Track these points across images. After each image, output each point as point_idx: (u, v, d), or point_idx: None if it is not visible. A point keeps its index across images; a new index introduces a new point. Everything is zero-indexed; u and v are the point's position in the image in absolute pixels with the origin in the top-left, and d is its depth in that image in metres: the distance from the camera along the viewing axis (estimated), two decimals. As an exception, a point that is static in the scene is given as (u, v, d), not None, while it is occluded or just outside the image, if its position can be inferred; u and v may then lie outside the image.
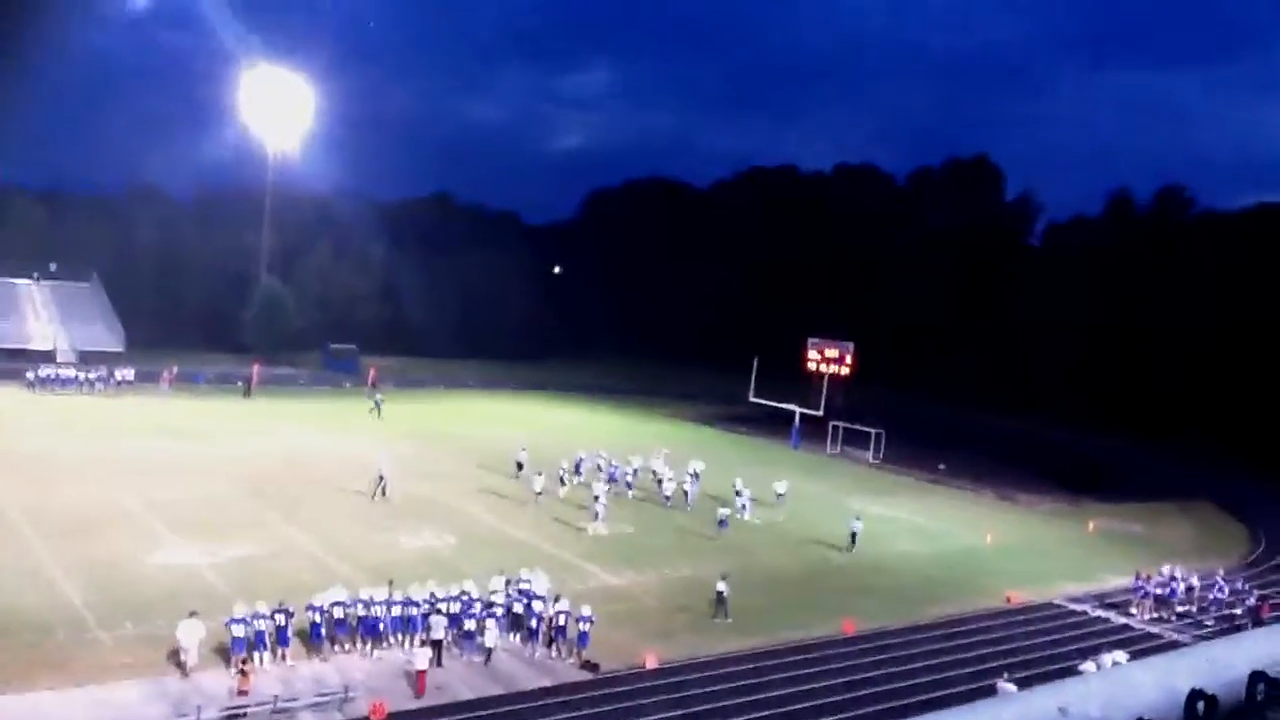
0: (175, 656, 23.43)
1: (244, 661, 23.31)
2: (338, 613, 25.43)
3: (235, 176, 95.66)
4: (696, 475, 49.27)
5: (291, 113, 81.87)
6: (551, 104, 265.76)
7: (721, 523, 41.91)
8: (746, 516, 45.22)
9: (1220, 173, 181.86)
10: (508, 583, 28.83)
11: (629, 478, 48.83)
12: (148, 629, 25.39)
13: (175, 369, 70.38)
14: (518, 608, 27.54)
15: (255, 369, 71.91)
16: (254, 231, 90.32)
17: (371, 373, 78.35)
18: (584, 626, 26.37)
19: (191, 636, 23.15)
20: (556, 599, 27.70)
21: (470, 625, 26.18)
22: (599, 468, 49.40)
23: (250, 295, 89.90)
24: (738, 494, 46.16)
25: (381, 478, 42.51)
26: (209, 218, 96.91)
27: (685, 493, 47.33)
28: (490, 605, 27.14)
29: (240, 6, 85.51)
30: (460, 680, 24.58)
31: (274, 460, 48.19)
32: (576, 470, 48.95)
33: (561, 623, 26.91)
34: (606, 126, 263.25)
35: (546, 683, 24.94)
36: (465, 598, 27.05)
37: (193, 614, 23.63)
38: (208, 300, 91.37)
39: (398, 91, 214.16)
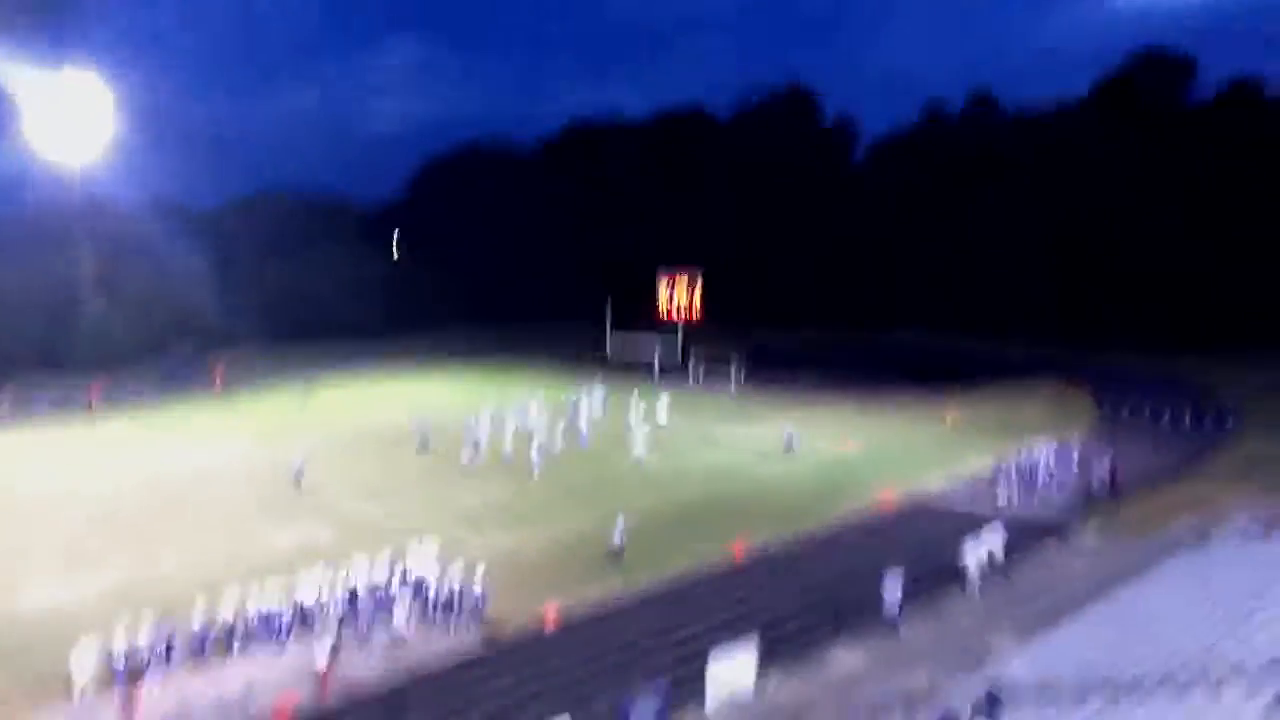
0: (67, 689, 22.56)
1: (134, 685, 22.55)
2: (231, 617, 24.88)
3: (38, 200, 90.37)
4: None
5: (89, 124, 77.31)
6: (365, 86, 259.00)
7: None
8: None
9: (1023, 70, 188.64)
10: (393, 562, 28.50)
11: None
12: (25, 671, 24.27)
13: (10, 396, 66.84)
14: (410, 584, 27.27)
15: (95, 388, 68.77)
16: (68, 254, 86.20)
17: (219, 372, 75.94)
18: (477, 590, 26.35)
19: (83, 664, 22.35)
20: (445, 570, 27.57)
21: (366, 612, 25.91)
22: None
23: (76, 317, 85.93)
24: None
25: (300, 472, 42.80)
26: (15, 244, 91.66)
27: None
28: (386, 587, 26.83)
29: (13, 8, 79.24)
30: (365, 668, 24.28)
31: (128, 482, 46.19)
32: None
33: (456, 592, 26.83)
34: (423, 101, 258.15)
35: (452, 656, 24.83)
36: (361, 584, 26.72)
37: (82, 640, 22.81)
38: (33, 328, 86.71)
39: (209, 91, 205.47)
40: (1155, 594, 25.92)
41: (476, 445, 47.25)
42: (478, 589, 26.58)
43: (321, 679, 23.11)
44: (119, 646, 22.87)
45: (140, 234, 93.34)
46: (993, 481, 39.77)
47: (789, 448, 48.23)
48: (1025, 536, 33.20)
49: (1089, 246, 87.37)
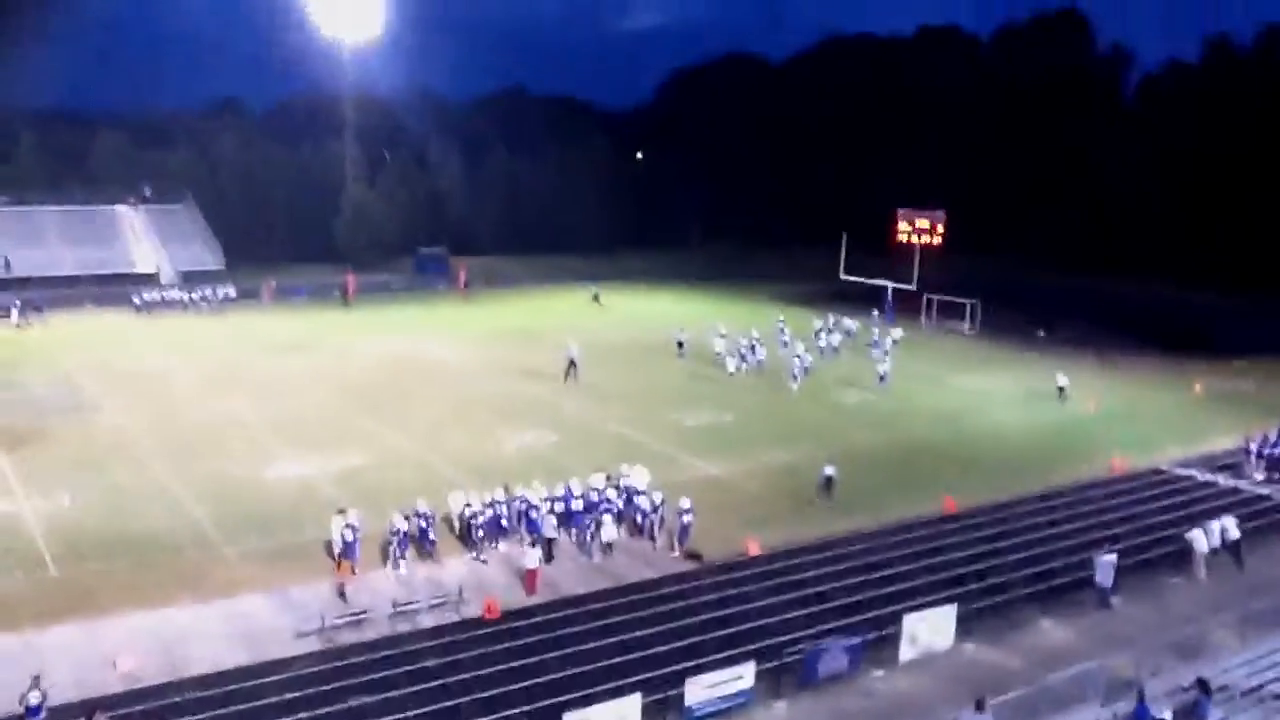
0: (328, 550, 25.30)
1: (340, 562, 24.58)
2: (467, 513, 26.58)
3: (310, 83, 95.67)
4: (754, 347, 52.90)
5: (360, 12, 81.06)
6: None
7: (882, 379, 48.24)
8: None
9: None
10: (608, 479, 29.50)
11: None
12: (270, 543, 26.73)
13: (274, 284, 72.21)
14: (621, 503, 28.23)
15: (350, 279, 73.27)
16: (335, 138, 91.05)
17: (462, 274, 79.48)
18: (686, 519, 27.04)
19: (342, 531, 24.90)
20: (654, 493, 28.39)
21: (581, 521, 27.15)
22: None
23: (338, 204, 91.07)
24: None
25: (572, 363, 47.11)
26: (288, 128, 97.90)
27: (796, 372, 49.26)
28: (602, 502, 27.89)
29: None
30: (569, 576, 25.49)
31: (377, 368, 49.57)
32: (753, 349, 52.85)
33: (662, 515, 27.66)
34: (679, 4, 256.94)
35: (652, 574, 25.69)
36: (577, 494, 27.90)
37: (341, 511, 25.40)
38: (297, 212, 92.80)
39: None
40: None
41: (743, 356, 51.57)
42: (688, 513, 27.21)
43: (529, 579, 24.40)
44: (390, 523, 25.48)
45: (403, 123, 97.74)
46: (1237, 459, 37.36)
47: (1020, 399, 46.71)
48: (1266, 524, 31.20)
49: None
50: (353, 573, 24.48)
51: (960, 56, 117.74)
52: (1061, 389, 47.46)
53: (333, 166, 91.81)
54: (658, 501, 28.00)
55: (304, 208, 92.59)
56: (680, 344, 54.25)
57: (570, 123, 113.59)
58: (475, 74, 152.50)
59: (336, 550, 24.86)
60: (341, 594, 23.61)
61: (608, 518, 27.17)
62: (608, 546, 26.85)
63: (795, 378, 48.13)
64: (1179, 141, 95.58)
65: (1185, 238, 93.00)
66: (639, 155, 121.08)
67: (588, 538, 27.04)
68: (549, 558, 26.06)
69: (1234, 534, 28.55)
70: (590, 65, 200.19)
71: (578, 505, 27.59)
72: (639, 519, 28.06)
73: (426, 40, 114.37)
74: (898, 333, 60.45)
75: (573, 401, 43.45)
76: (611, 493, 28.48)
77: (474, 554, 26.25)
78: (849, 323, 62.03)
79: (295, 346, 54.48)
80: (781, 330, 58.81)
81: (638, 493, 28.61)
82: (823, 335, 58.11)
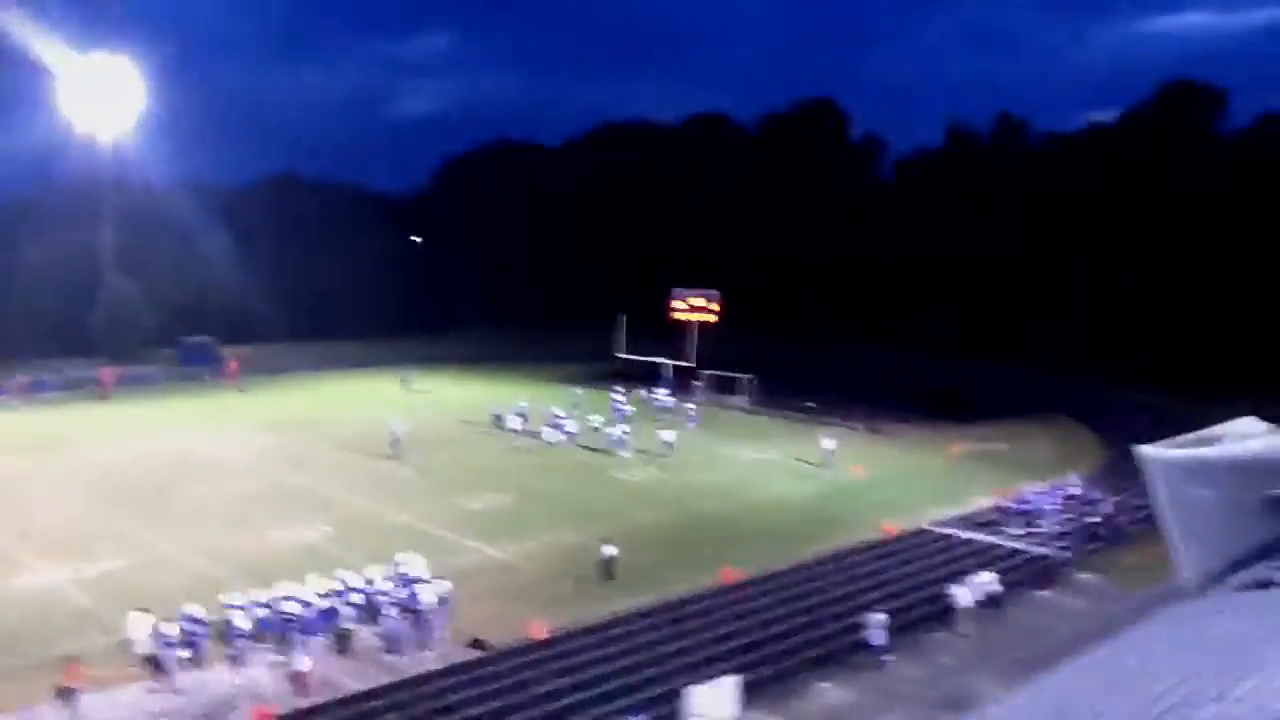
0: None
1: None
2: (241, 617, 25.26)
3: (67, 173, 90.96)
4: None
5: (119, 101, 78.10)
6: (394, 72, 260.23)
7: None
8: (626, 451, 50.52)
9: (1053, 94, 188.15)
10: (388, 566, 28.76)
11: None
12: (14, 660, 24.65)
13: (23, 380, 67.51)
14: (401, 594, 27.51)
15: (106, 372, 69.31)
16: (92, 230, 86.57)
17: (233, 364, 76.47)
18: (447, 601, 26.72)
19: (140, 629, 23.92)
20: (439, 581, 27.84)
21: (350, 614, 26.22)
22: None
23: (96, 296, 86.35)
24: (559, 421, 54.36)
25: (396, 438, 48.39)
26: (42, 219, 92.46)
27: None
28: (379, 593, 27.14)
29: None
30: (348, 674, 24.52)
31: (135, 465, 46.75)
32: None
33: (449, 604, 27.13)
34: (453, 92, 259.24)
35: (435, 666, 25.04)
36: (354, 588, 27.06)
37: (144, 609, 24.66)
38: (52, 306, 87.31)
39: (231, 71, 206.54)
40: (1147, 644, 25.84)
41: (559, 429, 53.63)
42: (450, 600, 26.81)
43: (298, 681, 23.36)
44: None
45: (165, 212, 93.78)
46: (994, 518, 39.73)
47: (796, 470, 48.35)
48: (1022, 577, 33.21)
49: (1117, 275, 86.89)
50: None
51: (728, 143, 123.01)
52: (829, 452, 49.51)
53: (90, 257, 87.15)
54: (444, 591, 27.40)
55: (59, 301, 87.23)
56: (499, 417, 56.97)
57: (346, 209, 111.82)
58: (245, 161, 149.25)
59: (140, 652, 23.46)
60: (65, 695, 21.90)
61: (390, 610, 26.39)
62: (389, 639, 26.02)
63: (623, 445, 50.82)
64: (930, 219, 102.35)
65: (943, 311, 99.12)
66: (416, 240, 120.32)
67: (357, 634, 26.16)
68: (341, 651, 25.07)
69: (994, 588, 30.25)
70: (365, 152, 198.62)
71: (357, 599, 26.72)
72: (419, 610, 27.32)
73: (191, 128, 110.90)
74: (671, 402, 62.63)
75: (351, 490, 42.18)
76: (388, 584, 27.73)
77: (237, 657, 24.91)
78: (621, 403, 62.86)
79: (45, 445, 50.91)
80: (618, 403, 61.22)
81: (417, 581, 27.93)
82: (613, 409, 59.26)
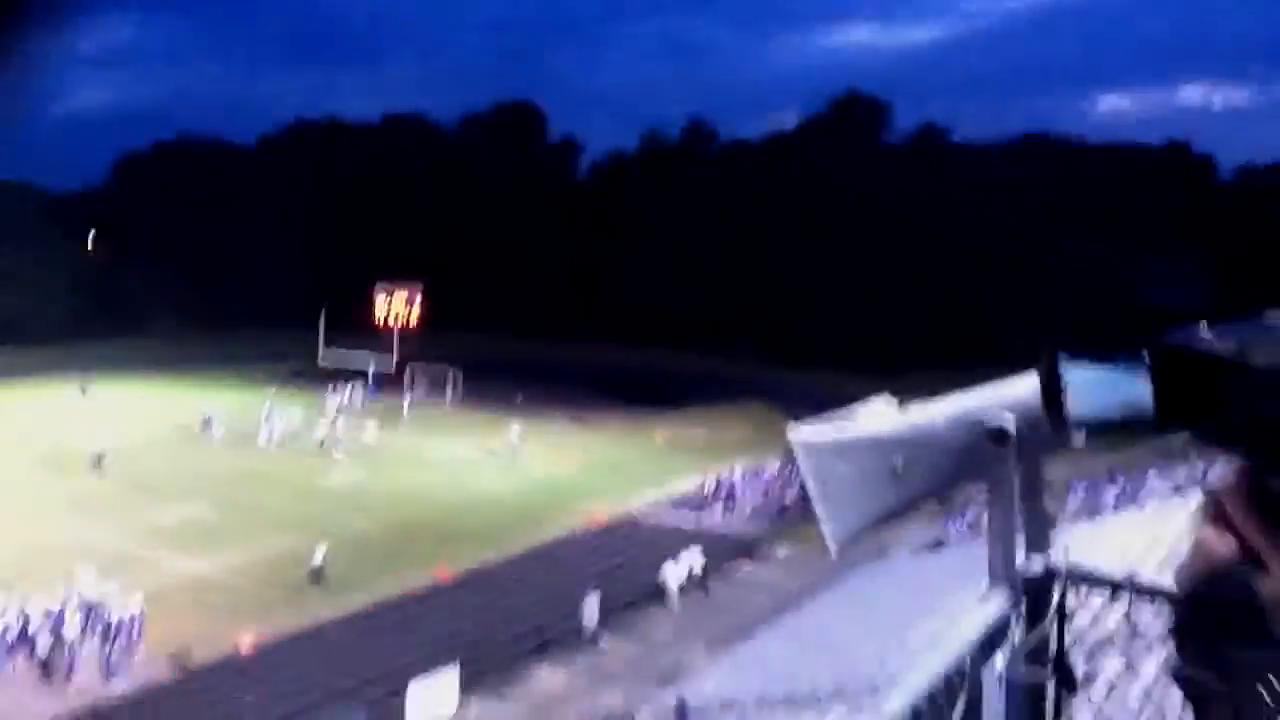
0: None
1: None
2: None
3: None
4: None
5: None
6: (66, 63, 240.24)
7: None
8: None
9: (741, 103, 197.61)
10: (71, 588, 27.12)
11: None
12: None
13: None
14: (80, 617, 25.98)
15: None
16: None
17: None
18: (137, 618, 25.62)
19: None
20: (126, 600, 26.51)
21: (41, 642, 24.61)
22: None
23: None
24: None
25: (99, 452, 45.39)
26: None
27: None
28: (59, 615, 25.57)
29: None
30: (19, 704, 23.02)
31: None
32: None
33: (139, 623, 25.88)
34: (131, 83, 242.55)
35: (127, 689, 23.89)
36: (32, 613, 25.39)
37: None
38: None
39: None
40: (834, 609, 28.17)
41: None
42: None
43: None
44: None
45: None
46: (696, 500, 41.79)
47: (501, 464, 48.89)
48: (725, 554, 35.18)
49: (794, 271, 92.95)
50: None
51: (427, 142, 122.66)
52: (514, 444, 51.01)
53: None
54: (135, 611, 26.07)
55: None
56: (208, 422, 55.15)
57: (11, 206, 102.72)
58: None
59: None
60: None
61: (72, 634, 24.92)
62: (70, 665, 24.56)
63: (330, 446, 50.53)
64: (631, 220, 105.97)
65: (650, 305, 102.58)
66: (90, 238, 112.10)
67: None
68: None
69: (699, 566, 31.96)
70: (34, 145, 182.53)
71: (36, 624, 25.03)
72: (107, 629, 25.89)
73: None
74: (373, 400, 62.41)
75: (35, 508, 39.06)
76: (70, 608, 26.14)
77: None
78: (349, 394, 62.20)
79: None
80: (326, 403, 60.26)
81: (98, 605, 26.42)
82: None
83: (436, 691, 23.08)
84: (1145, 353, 1.14)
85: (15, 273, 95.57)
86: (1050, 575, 2.12)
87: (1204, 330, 1.07)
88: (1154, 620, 2.03)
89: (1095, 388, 1.37)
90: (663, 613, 29.87)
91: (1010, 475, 2.01)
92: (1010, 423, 1.87)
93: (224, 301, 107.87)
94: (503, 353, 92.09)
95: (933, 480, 2.05)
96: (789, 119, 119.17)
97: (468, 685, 23.82)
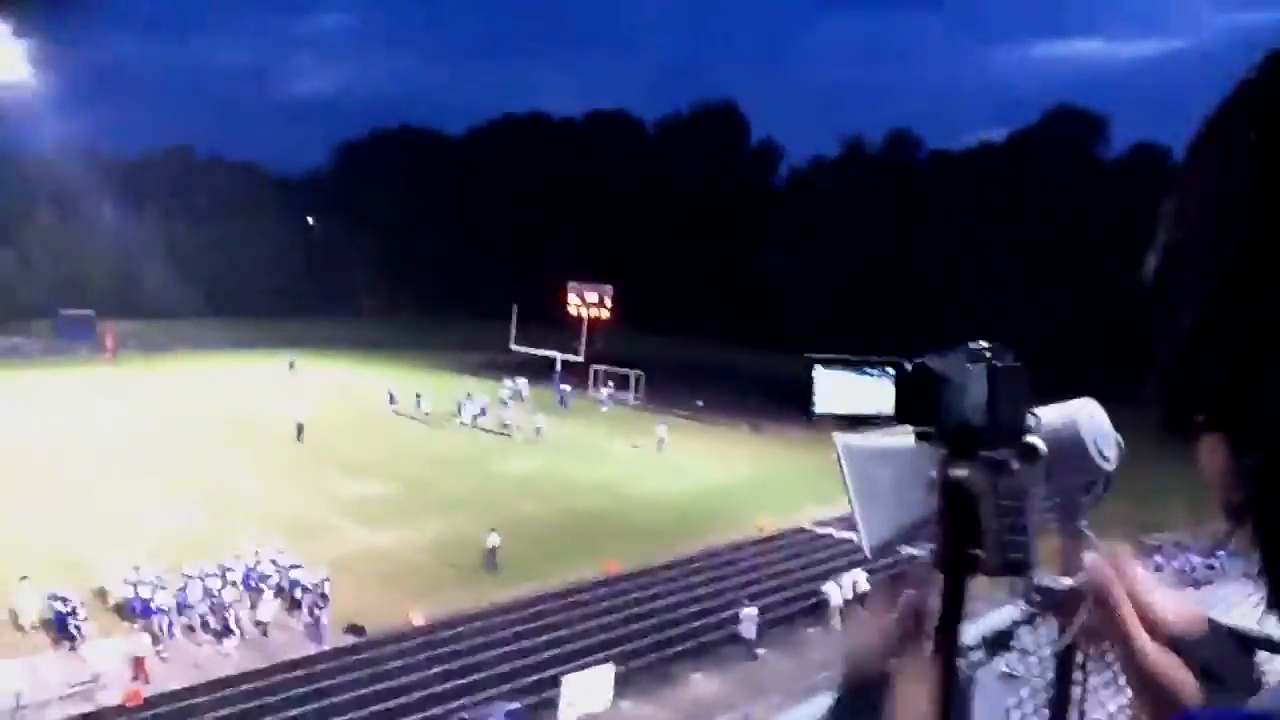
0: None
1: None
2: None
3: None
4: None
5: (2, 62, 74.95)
6: (293, 47, 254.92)
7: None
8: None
9: (948, 112, 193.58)
10: (258, 554, 28.79)
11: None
12: None
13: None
14: (278, 578, 27.61)
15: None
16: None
17: (109, 338, 74.61)
18: (326, 589, 26.83)
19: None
20: (315, 567, 27.97)
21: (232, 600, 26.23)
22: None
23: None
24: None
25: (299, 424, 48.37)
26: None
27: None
28: (261, 578, 27.22)
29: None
30: (219, 659, 24.53)
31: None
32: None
33: (324, 590, 27.24)
34: (352, 71, 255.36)
35: (312, 649, 25.20)
36: (232, 572, 27.09)
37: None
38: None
39: (125, 38, 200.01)
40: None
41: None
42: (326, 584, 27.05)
43: (136, 666, 23.19)
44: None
45: (47, 182, 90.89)
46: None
47: (680, 467, 49.26)
48: (893, 574, 34.43)
49: (991, 291, 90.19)
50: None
51: (628, 141, 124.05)
52: (661, 440, 52.77)
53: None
54: (319, 577, 27.51)
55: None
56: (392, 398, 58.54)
57: (239, 185, 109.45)
58: (140, 133, 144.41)
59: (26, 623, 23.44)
60: None
61: (266, 593, 26.45)
62: (264, 625, 26.08)
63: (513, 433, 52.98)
64: (827, 228, 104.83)
65: (833, 316, 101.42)
66: (310, 221, 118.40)
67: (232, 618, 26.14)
68: (227, 633, 25.08)
69: (865, 586, 31.46)
70: (262, 128, 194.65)
71: (233, 582, 26.73)
72: (298, 594, 27.41)
73: (78, 96, 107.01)
74: (562, 394, 64.41)
75: (236, 473, 41.66)
76: (268, 567, 27.78)
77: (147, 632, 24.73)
78: (520, 385, 64.05)
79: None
80: (510, 393, 62.92)
81: (294, 567, 28.02)
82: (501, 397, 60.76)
83: (591, 686, 23.47)
84: (899, 362, 1.39)
85: (239, 249, 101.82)
86: (1075, 595, 2.12)
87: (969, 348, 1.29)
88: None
89: (845, 388, 1.56)
90: (823, 631, 29.56)
91: (1038, 496, 2.04)
92: (1040, 440, 1.90)
93: (428, 288, 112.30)
94: (689, 356, 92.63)
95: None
96: (999, 132, 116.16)
97: (623, 684, 24.14)
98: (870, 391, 1.63)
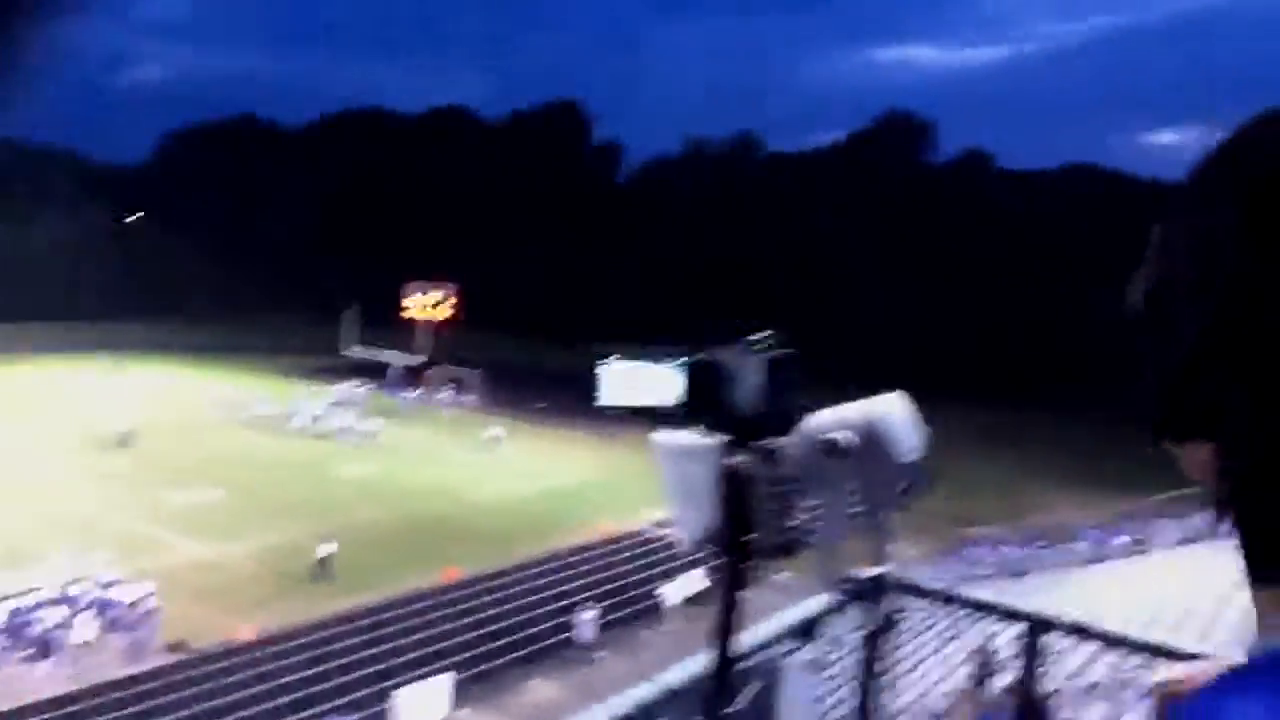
0: None
1: None
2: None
3: None
4: None
5: None
6: (125, 32, 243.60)
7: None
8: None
9: (793, 114, 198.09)
10: (78, 569, 27.45)
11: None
12: None
13: None
14: (95, 596, 26.32)
15: None
16: None
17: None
18: (149, 604, 25.77)
19: None
20: (136, 583, 26.80)
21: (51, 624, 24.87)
22: None
23: None
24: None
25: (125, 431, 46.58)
26: None
27: None
28: (81, 594, 25.88)
29: None
30: (35, 679, 23.25)
31: None
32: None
33: (136, 605, 26.12)
34: (186, 60, 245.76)
35: (132, 670, 24.10)
36: (44, 595, 25.68)
37: None
38: None
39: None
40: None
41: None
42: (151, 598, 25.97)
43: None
44: None
45: None
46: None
47: (521, 470, 49.01)
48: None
49: (821, 287, 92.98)
50: None
51: (469, 139, 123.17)
52: (497, 439, 53.26)
53: None
54: (143, 592, 26.35)
55: None
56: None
57: (54, 176, 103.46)
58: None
59: None
60: None
61: (85, 611, 25.17)
62: (81, 645, 24.80)
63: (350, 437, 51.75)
64: (668, 228, 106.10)
65: (674, 313, 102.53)
66: (134, 217, 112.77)
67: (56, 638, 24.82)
68: (42, 655, 23.70)
69: (700, 586, 31.90)
70: (77, 114, 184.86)
71: (49, 603, 25.32)
72: (119, 611, 26.18)
73: None
74: (402, 397, 61.97)
75: (54, 483, 39.47)
76: (87, 583, 26.46)
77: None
78: (357, 388, 62.43)
79: None
80: (347, 397, 60.79)
81: (114, 583, 26.76)
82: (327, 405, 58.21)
83: (427, 697, 23.11)
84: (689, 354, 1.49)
85: (55, 246, 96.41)
86: (879, 585, 2.16)
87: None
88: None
89: (635, 381, 1.64)
90: (661, 631, 29.82)
91: (843, 488, 2.08)
92: (847, 438, 1.93)
93: (258, 287, 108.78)
94: (533, 357, 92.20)
95: (799, 485, 2.11)
96: (837, 135, 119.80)
97: (462, 691, 23.85)
98: (658, 383, 1.65)
